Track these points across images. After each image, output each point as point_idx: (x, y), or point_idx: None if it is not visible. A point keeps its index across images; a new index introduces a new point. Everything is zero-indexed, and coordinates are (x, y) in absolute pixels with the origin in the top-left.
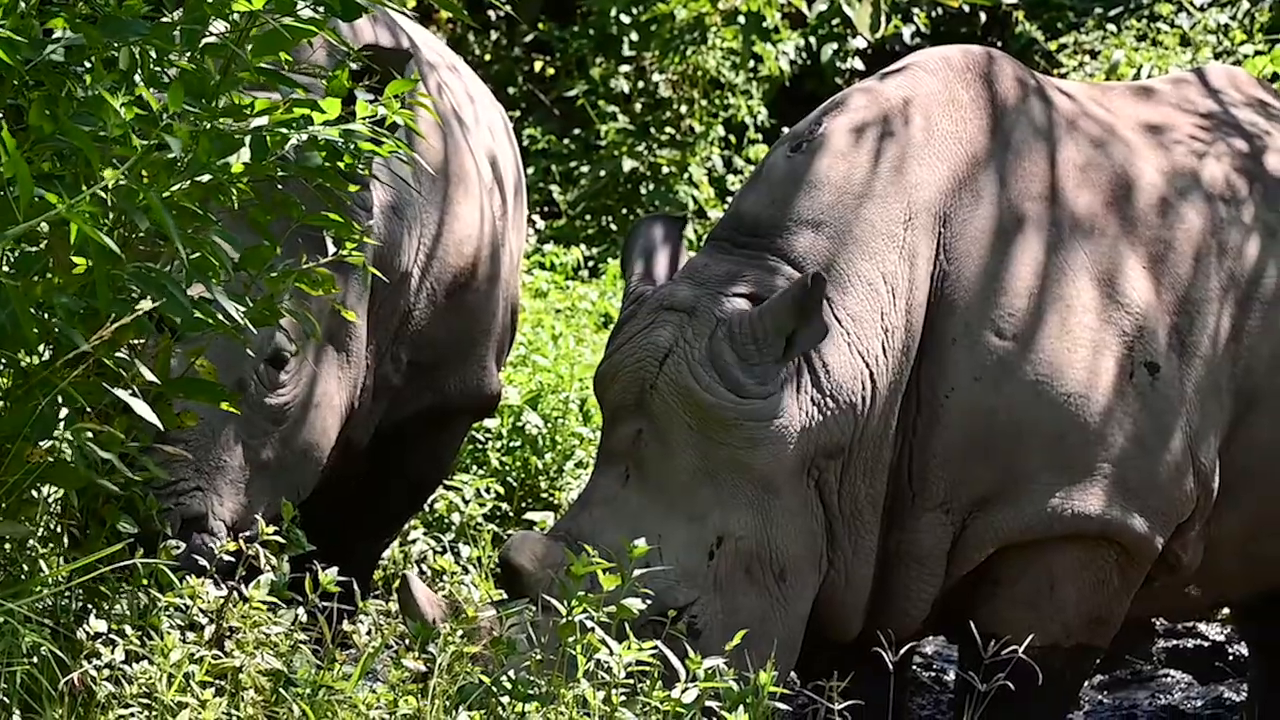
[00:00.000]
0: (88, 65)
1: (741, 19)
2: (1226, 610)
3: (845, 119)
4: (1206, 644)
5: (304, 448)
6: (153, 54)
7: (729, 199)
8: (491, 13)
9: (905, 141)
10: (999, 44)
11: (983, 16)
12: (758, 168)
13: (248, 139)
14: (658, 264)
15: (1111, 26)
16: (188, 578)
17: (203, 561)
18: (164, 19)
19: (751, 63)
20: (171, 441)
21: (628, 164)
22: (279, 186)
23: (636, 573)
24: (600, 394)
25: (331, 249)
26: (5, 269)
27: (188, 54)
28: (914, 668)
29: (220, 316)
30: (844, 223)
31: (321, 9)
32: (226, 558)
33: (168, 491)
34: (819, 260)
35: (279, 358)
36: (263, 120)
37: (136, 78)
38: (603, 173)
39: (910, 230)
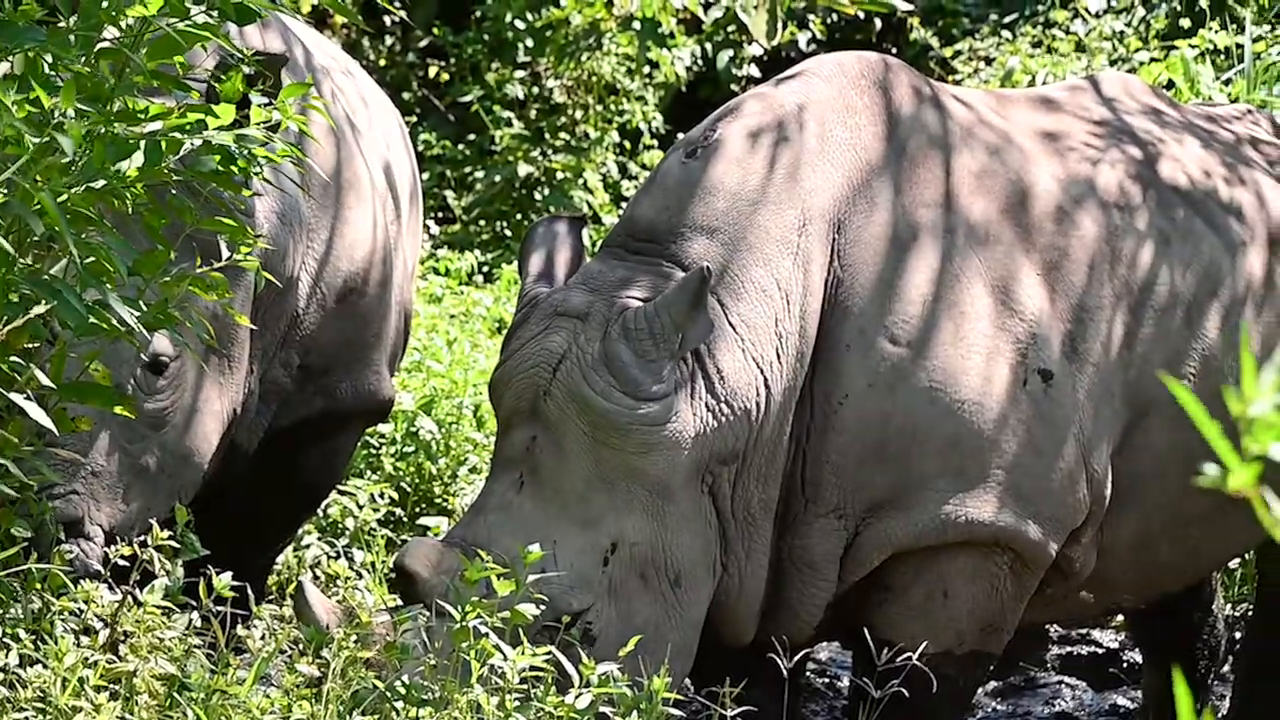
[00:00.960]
0: None
1: (637, 24)
2: (1120, 617)
3: (740, 125)
4: (1101, 650)
5: (184, 453)
6: (48, 59)
7: (624, 204)
8: (386, 18)
9: (799, 148)
10: (894, 51)
11: (878, 23)
12: (652, 174)
13: (142, 144)
14: (555, 265)
15: (1007, 33)
16: (82, 582)
17: (78, 566)
18: (59, 24)
19: (647, 68)
20: (49, 446)
21: (523, 169)
22: (173, 191)
23: (531, 578)
24: (495, 400)
25: (225, 253)
26: None
27: (82, 58)
28: (808, 674)
29: (114, 321)
30: (738, 229)
31: (215, 14)
32: (122, 562)
33: (42, 495)
34: (713, 266)
35: (157, 363)
36: (157, 125)
37: (30, 81)
38: (497, 178)
39: (804, 237)
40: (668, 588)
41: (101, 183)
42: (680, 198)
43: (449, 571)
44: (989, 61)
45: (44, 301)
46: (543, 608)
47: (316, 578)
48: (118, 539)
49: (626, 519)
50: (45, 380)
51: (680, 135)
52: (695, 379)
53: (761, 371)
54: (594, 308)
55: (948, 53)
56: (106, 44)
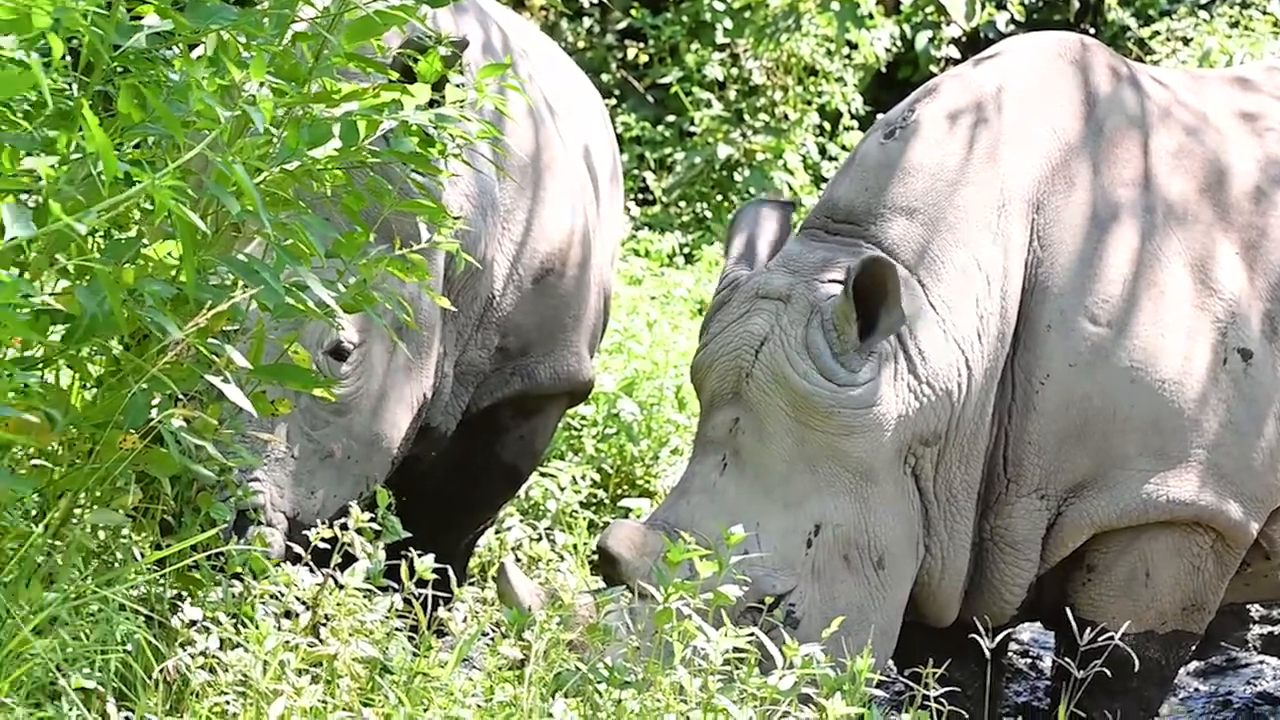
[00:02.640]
0: (175, 52)
1: (836, 5)
2: None
3: (938, 106)
4: None
5: (371, 439)
6: (241, 39)
7: (824, 185)
8: (584, 0)
9: (998, 129)
10: (1092, 31)
11: (1075, 3)
12: (851, 155)
13: (337, 127)
14: (757, 248)
15: (1204, 14)
16: (284, 565)
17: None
18: (253, 5)
19: (846, 49)
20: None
21: (723, 150)
22: (370, 173)
23: (734, 559)
24: (697, 382)
25: (425, 235)
26: (96, 255)
27: (276, 39)
28: (1010, 654)
29: (311, 303)
30: (938, 210)
31: None
32: (323, 545)
33: (225, 480)
34: (913, 247)
35: (340, 349)
36: (353, 106)
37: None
38: (698, 160)
39: (1004, 217)
40: (871, 570)
41: (296, 164)
42: (879, 178)
43: (651, 554)
44: (1186, 42)
45: (242, 284)
46: (746, 589)
47: (519, 559)
48: (305, 526)
49: (830, 501)
50: (243, 362)
51: (879, 116)
52: (897, 360)
53: (963, 352)
54: (795, 289)
55: (1145, 33)
56: (303, 26)
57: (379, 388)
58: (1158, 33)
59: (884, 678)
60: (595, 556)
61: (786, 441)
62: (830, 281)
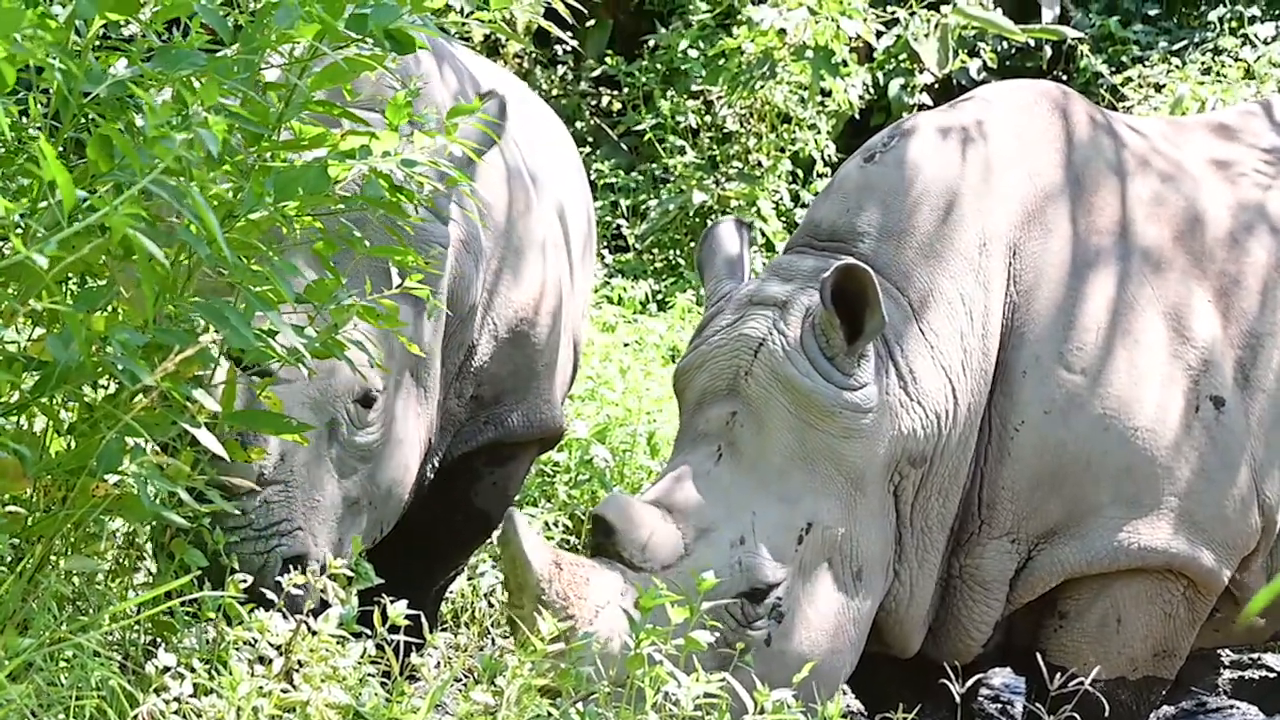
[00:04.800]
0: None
1: (810, 54)
2: None
3: (922, 136)
4: (1272, 674)
5: (389, 484)
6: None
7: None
8: (558, 47)
9: (979, 168)
10: (1064, 78)
11: (1048, 51)
12: (830, 181)
13: (301, 176)
14: (736, 263)
15: (1176, 60)
16: (257, 611)
17: (298, 604)
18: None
19: (819, 97)
20: (268, 482)
21: (698, 197)
22: (342, 220)
23: (728, 546)
24: (683, 384)
25: (396, 280)
26: (68, 301)
27: (245, 88)
28: (980, 699)
29: (280, 348)
30: (923, 236)
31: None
32: (296, 591)
33: (271, 532)
34: (901, 269)
35: (368, 397)
36: (320, 152)
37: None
38: (672, 206)
39: (985, 256)
40: (850, 578)
41: (264, 213)
42: (861, 200)
43: (646, 528)
44: (1159, 88)
45: (212, 329)
46: (739, 575)
47: (490, 605)
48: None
49: (823, 501)
50: (214, 406)
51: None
52: (888, 375)
53: (949, 381)
54: (792, 295)
55: (1118, 80)
56: (273, 71)
57: (393, 434)
58: (1130, 79)
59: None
60: (590, 525)
61: (786, 437)
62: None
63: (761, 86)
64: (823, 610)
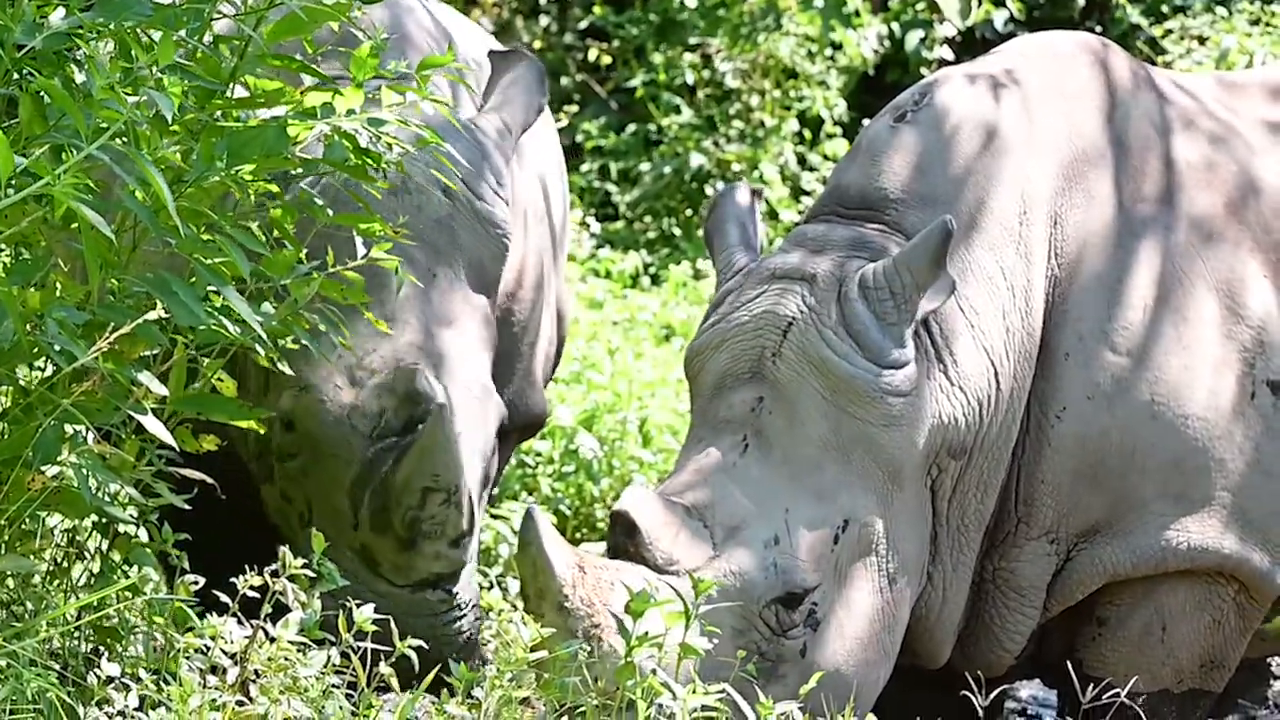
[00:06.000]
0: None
1: (819, 2)
2: None
3: (953, 93)
4: None
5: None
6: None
7: (804, 199)
8: None
9: (1017, 128)
10: (1099, 30)
11: (1080, 0)
12: (857, 141)
13: (257, 136)
14: (751, 232)
15: (1221, 10)
16: (208, 616)
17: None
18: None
19: (829, 51)
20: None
21: (695, 160)
22: (302, 185)
23: (763, 545)
24: (698, 365)
25: (361, 251)
26: (1, 275)
27: (196, 36)
28: (1007, 712)
29: (233, 327)
30: (961, 204)
31: None
32: (252, 594)
33: (454, 617)
34: None
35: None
36: (278, 111)
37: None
38: (667, 170)
39: (1025, 225)
40: (886, 581)
41: (216, 178)
42: (893, 164)
43: (674, 528)
44: (1202, 41)
45: (160, 304)
46: (773, 580)
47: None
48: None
49: (859, 497)
50: (161, 390)
51: (866, 123)
52: (929, 359)
53: (992, 363)
54: (820, 268)
55: (1157, 32)
56: (223, 21)
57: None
58: (1170, 31)
59: None
60: (611, 525)
61: (821, 426)
62: (857, 258)
63: (765, 39)
64: (858, 617)
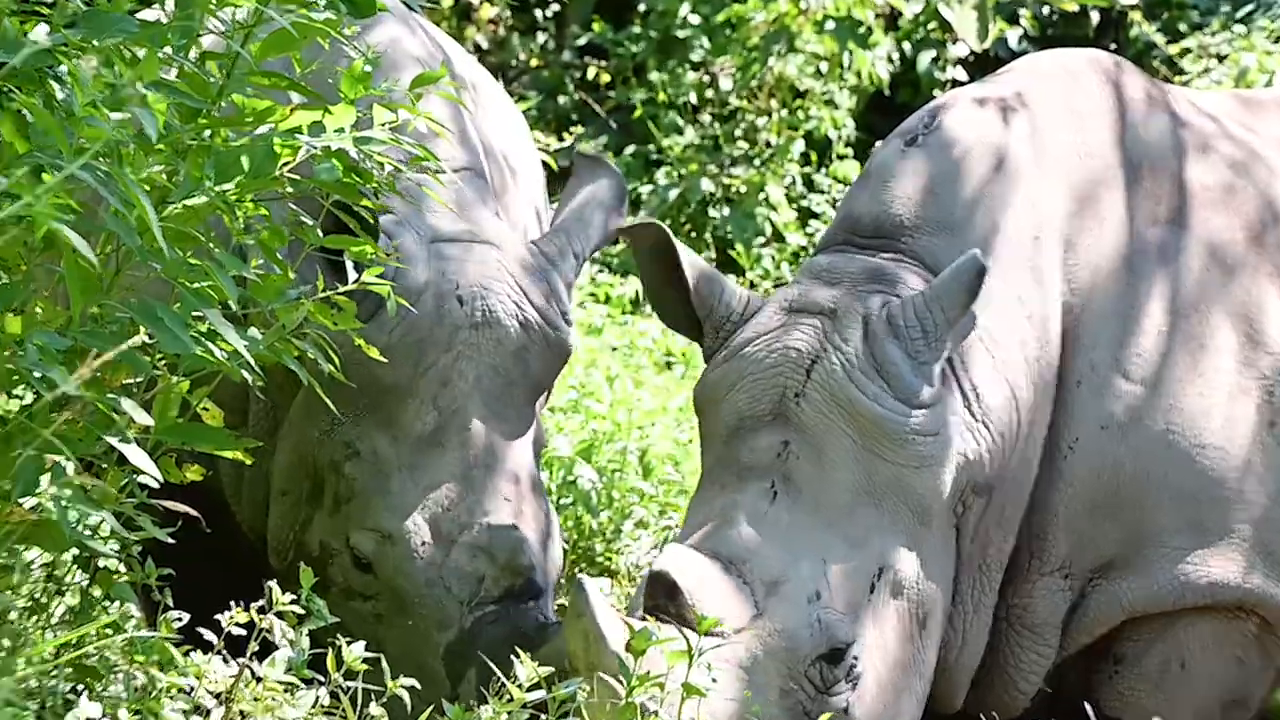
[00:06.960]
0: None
1: (831, 24)
2: None
3: (962, 116)
4: None
5: None
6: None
7: (811, 223)
8: (539, 11)
9: (1028, 148)
10: (1114, 48)
11: (1095, 18)
12: (867, 168)
13: (245, 156)
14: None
15: (1240, 27)
16: (192, 655)
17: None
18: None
19: (842, 70)
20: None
21: (704, 185)
22: (291, 206)
23: (805, 599)
24: (710, 402)
25: (353, 276)
26: None
27: (183, 55)
28: None
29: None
30: (977, 230)
31: (333, 8)
32: (238, 631)
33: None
34: None
35: None
36: (266, 129)
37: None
38: (673, 194)
39: (1039, 251)
40: (917, 627)
41: (203, 199)
42: (905, 190)
43: (714, 585)
44: (1221, 59)
45: (144, 330)
46: (817, 636)
47: None
48: None
49: (892, 541)
50: (145, 419)
51: (877, 144)
52: (952, 392)
53: (1014, 395)
54: (841, 302)
55: (1174, 50)
56: (211, 37)
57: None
58: (1188, 49)
59: None
60: (647, 587)
61: (853, 470)
62: (879, 292)
63: (778, 61)
64: (895, 667)
